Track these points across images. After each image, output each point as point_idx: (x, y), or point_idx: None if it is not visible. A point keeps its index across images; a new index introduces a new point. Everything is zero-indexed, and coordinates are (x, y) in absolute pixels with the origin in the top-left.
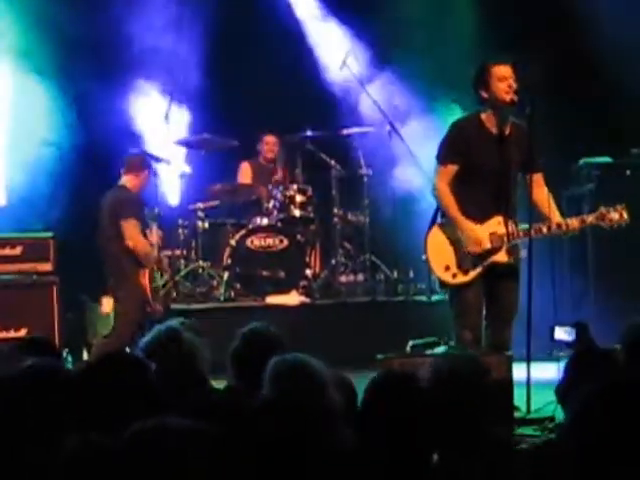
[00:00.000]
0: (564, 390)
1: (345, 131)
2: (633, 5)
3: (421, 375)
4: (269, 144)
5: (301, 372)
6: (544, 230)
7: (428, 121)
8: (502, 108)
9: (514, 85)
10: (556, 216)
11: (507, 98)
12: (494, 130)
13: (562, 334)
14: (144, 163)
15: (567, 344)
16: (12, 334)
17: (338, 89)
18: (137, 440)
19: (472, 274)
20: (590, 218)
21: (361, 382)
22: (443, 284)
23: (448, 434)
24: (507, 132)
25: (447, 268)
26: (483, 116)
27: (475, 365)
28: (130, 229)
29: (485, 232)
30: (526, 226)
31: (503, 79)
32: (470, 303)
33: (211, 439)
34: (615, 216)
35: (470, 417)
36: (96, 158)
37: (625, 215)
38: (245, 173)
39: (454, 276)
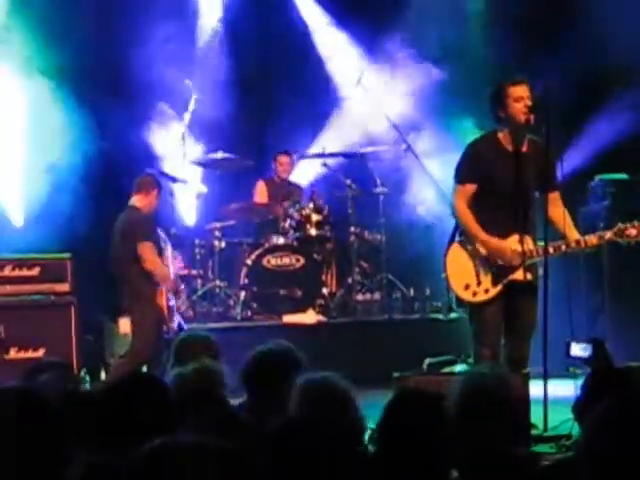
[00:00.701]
0: (581, 408)
1: (361, 150)
2: None
3: (447, 392)
4: (283, 164)
5: (330, 391)
6: (563, 248)
7: (443, 138)
8: (518, 127)
9: (530, 104)
10: (574, 233)
11: (523, 118)
12: (511, 148)
13: (578, 350)
14: (153, 182)
15: (583, 360)
16: (30, 354)
17: (353, 108)
18: (146, 459)
19: (492, 292)
20: (608, 234)
21: (378, 400)
22: (462, 302)
23: (469, 452)
24: (524, 149)
25: (467, 287)
26: (500, 135)
27: (503, 383)
28: (146, 252)
29: (509, 247)
30: (543, 244)
31: (520, 99)
32: (489, 321)
33: (224, 455)
34: (633, 232)
35: (493, 435)
36: (113, 178)
37: None
38: (261, 192)
39: (474, 294)
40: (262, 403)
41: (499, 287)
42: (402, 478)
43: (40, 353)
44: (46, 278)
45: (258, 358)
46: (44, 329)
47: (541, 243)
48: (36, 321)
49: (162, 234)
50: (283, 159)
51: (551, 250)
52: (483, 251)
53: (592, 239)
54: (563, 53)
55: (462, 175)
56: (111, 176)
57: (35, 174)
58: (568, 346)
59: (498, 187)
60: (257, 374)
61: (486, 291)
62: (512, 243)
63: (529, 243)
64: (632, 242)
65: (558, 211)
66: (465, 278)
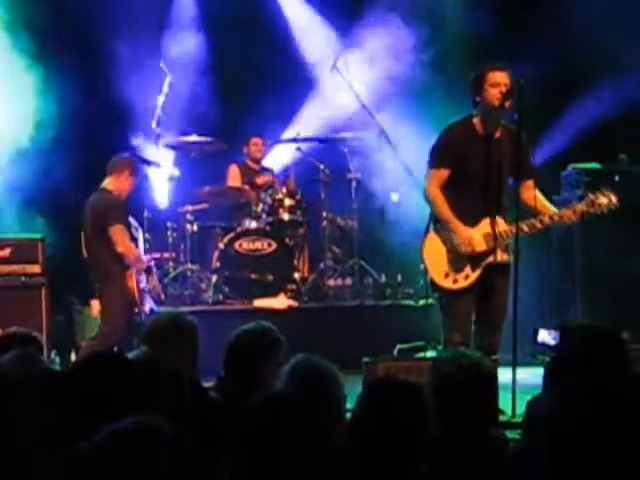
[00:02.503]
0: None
1: (335, 135)
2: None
3: (425, 377)
4: (257, 145)
5: (320, 375)
6: (537, 224)
7: (418, 123)
8: (492, 113)
9: (505, 91)
10: (548, 210)
11: (497, 103)
12: (484, 134)
13: (546, 337)
14: (126, 164)
15: (550, 347)
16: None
17: (328, 92)
18: (109, 442)
19: (472, 277)
20: (580, 206)
21: (349, 385)
22: (437, 289)
23: (444, 440)
24: (498, 135)
25: (447, 275)
26: (475, 120)
27: (481, 366)
28: (118, 235)
29: (479, 234)
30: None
31: (496, 85)
32: (463, 307)
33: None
34: (604, 201)
35: (467, 418)
36: (84, 159)
37: (614, 199)
38: (234, 175)
39: (455, 282)
40: (244, 380)
41: (478, 271)
42: (370, 468)
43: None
44: (17, 259)
45: (242, 336)
46: (15, 310)
47: (514, 225)
48: (6, 302)
49: (134, 222)
50: (255, 140)
51: (526, 228)
52: (456, 238)
53: (566, 213)
54: (536, 41)
55: (436, 159)
56: (82, 157)
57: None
58: (536, 332)
59: (471, 172)
60: (241, 352)
61: (466, 277)
62: (484, 226)
63: (501, 224)
64: (604, 210)
65: (531, 194)
66: (443, 266)
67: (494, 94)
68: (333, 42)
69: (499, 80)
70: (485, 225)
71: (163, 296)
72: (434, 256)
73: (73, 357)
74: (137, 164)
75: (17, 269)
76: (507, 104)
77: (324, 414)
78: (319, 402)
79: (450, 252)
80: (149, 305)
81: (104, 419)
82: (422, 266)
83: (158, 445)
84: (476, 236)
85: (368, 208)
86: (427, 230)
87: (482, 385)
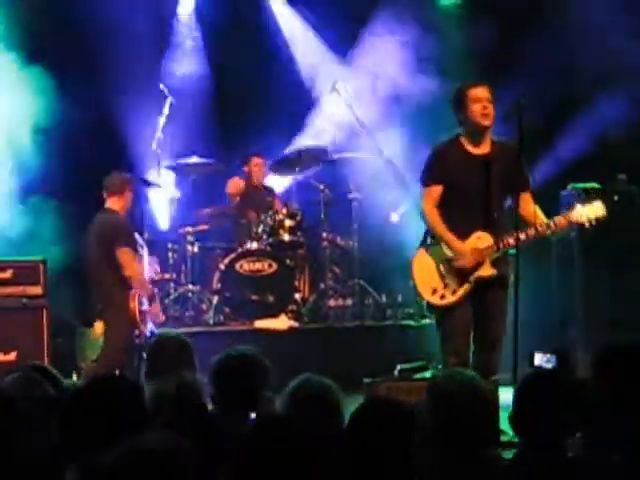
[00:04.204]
0: (515, 417)
1: (335, 156)
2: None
3: (419, 398)
4: (258, 165)
5: (324, 392)
6: (532, 232)
7: (417, 143)
8: (477, 128)
9: (489, 106)
10: (543, 219)
11: (480, 120)
12: (473, 150)
13: (542, 361)
14: (126, 182)
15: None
16: (2, 357)
17: (327, 113)
18: (117, 463)
19: (460, 293)
20: (568, 214)
21: (350, 406)
22: (431, 307)
23: (439, 457)
24: (487, 151)
25: (434, 291)
26: (462, 138)
27: (474, 386)
28: (126, 258)
29: (469, 248)
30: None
31: (477, 100)
32: (457, 326)
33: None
34: (591, 211)
35: (467, 438)
36: (83, 180)
37: (600, 211)
38: (236, 185)
39: (442, 297)
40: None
41: (466, 286)
42: None
43: (12, 356)
44: (19, 281)
45: (223, 360)
46: (16, 332)
47: (509, 236)
48: (8, 324)
49: (139, 239)
50: (256, 160)
51: (522, 237)
52: (449, 253)
53: (560, 220)
54: (536, 59)
55: (427, 177)
56: (80, 178)
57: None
58: (532, 356)
59: (462, 189)
60: (222, 375)
61: (453, 292)
62: (472, 242)
63: (488, 239)
64: (593, 223)
65: (529, 208)
66: (431, 282)
67: (477, 110)
68: (332, 63)
69: (480, 95)
70: (473, 240)
71: (164, 318)
72: (422, 272)
73: (75, 379)
74: (134, 179)
75: (18, 291)
76: (490, 119)
77: (326, 432)
78: (321, 420)
79: (438, 268)
80: (149, 327)
81: (107, 441)
82: (411, 282)
83: (176, 463)
84: (468, 250)
85: (368, 228)
86: (420, 247)
87: (477, 403)
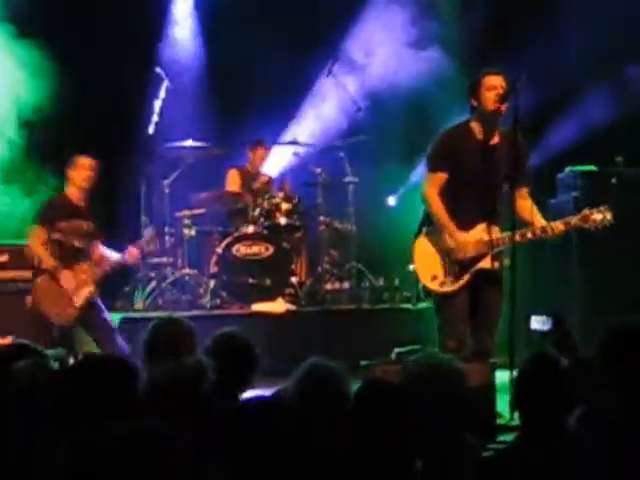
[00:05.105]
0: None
1: (331, 140)
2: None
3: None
4: (261, 156)
5: (332, 376)
6: (529, 235)
7: (416, 127)
8: (489, 116)
9: (501, 94)
10: (540, 221)
11: (492, 107)
12: (482, 138)
13: (538, 323)
14: (69, 165)
15: (543, 334)
16: None
17: (324, 97)
18: (123, 444)
19: (459, 282)
20: (574, 220)
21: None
22: (429, 292)
23: (422, 440)
24: (495, 140)
25: (434, 277)
26: (472, 124)
27: (447, 370)
28: (30, 234)
29: (471, 239)
30: (510, 233)
31: (492, 88)
32: (456, 312)
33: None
34: (598, 217)
35: (440, 423)
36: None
37: (609, 216)
38: (233, 180)
39: (442, 284)
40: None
41: (466, 276)
42: (368, 467)
43: (7, 340)
44: (15, 265)
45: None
46: (12, 316)
47: (507, 233)
48: (3, 308)
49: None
50: (260, 151)
51: (517, 238)
52: (451, 243)
53: (559, 226)
54: (533, 42)
55: (433, 163)
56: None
57: None
58: (528, 319)
59: (467, 177)
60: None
61: (453, 281)
62: (478, 232)
63: (495, 232)
64: (599, 227)
65: (525, 203)
66: (432, 269)
67: (490, 97)
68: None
69: (494, 83)
70: (479, 231)
71: (161, 301)
72: (424, 258)
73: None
74: (80, 161)
75: (14, 275)
76: (503, 107)
77: (332, 415)
78: (329, 404)
79: (440, 255)
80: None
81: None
82: (411, 267)
83: (160, 449)
84: (469, 242)
85: (365, 212)
86: (419, 232)
87: (451, 386)
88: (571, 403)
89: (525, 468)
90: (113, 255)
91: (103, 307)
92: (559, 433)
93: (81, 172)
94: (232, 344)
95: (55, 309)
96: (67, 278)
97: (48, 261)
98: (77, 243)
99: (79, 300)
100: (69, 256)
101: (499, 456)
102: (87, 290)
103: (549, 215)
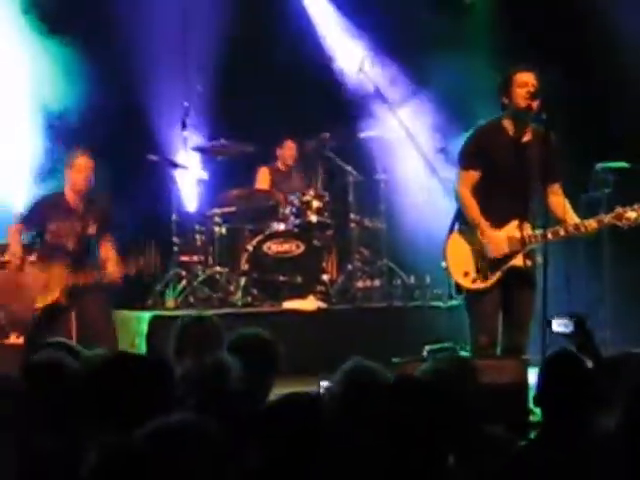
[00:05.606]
0: (541, 394)
1: (362, 134)
2: None
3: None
4: (291, 149)
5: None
6: (561, 232)
7: (448, 125)
8: (520, 114)
9: (532, 91)
10: (573, 218)
11: (523, 104)
12: (514, 136)
13: (559, 326)
14: (66, 164)
15: (566, 336)
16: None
17: (355, 94)
18: (155, 438)
19: (491, 279)
20: (607, 218)
21: None
22: (461, 289)
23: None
24: (527, 138)
25: (466, 274)
26: (504, 122)
27: (459, 367)
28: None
29: (504, 237)
30: (542, 230)
31: (523, 85)
32: (487, 309)
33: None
34: (632, 215)
35: (458, 418)
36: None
37: None
38: (263, 178)
39: (473, 281)
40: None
41: (498, 274)
42: (401, 463)
43: (21, 340)
44: None
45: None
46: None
47: (539, 231)
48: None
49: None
50: (290, 145)
51: (550, 236)
52: (483, 240)
53: (591, 223)
54: (569, 38)
55: (465, 161)
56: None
57: None
58: (549, 324)
59: (500, 174)
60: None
61: (485, 278)
62: (511, 229)
63: (528, 229)
64: (632, 225)
65: (558, 200)
66: (464, 266)
67: (521, 94)
68: (360, 44)
69: (526, 80)
70: (512, 228)
71: (192, 299)
72: (456, 255)
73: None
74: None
75: None
76: (534, 104)
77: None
78: (369, 405)
79: (472, 253)
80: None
81: (130, 421)
82: (443, 264)
83: (201, 442)
84: (501, 239)
85: (396, 209)
86: (451, 229)
87: (464, 381)
88: (594, 403)
89: (544, 466)
90: (111, 262)
91: (105, 306)
92: (581, 432)
93: (77, 172)
94: (247, 344)
95: (14, 305)
96: (34, 275)
97: (14, 251)
98: (70, 244)
99: (41, 302)
100: (53, 255)
101: (519, 453)
102: (49, 297)
103: (581, 211)
